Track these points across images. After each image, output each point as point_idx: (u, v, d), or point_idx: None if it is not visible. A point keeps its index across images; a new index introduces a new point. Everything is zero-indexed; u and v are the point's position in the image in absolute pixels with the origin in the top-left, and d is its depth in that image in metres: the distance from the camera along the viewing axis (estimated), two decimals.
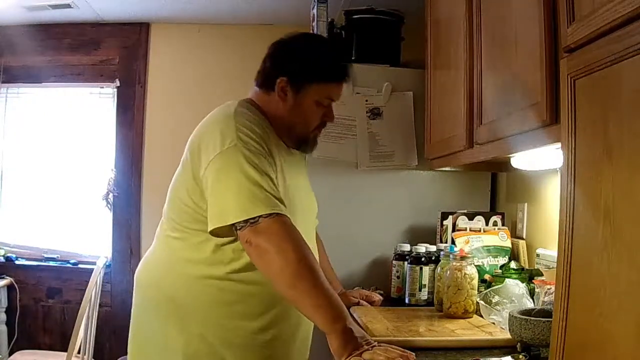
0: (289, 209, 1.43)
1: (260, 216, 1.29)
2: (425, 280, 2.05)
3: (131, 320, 1.58)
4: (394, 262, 2.19)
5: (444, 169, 2.24)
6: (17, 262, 3.61)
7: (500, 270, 1.91)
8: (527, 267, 1.99)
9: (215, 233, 1.36)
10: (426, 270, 2.05)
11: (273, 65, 1.55)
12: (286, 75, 1.51)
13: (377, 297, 2.01)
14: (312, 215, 1.67)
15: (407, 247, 2.15)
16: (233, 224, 1.31)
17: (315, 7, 2.49)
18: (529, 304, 1.59)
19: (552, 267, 1.73)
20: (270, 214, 1.30)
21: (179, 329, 1.44)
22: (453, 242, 2.11)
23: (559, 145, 1.08)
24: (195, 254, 1.44)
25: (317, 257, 1.57)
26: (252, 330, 1.45)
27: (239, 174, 1.33)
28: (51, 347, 3.44)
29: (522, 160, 1.77)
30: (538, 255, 1.95)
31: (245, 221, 1.30)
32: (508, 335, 1.44)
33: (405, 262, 2.12)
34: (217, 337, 1.44)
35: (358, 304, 1.94)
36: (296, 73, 1.51)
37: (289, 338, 1.51)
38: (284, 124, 1.54)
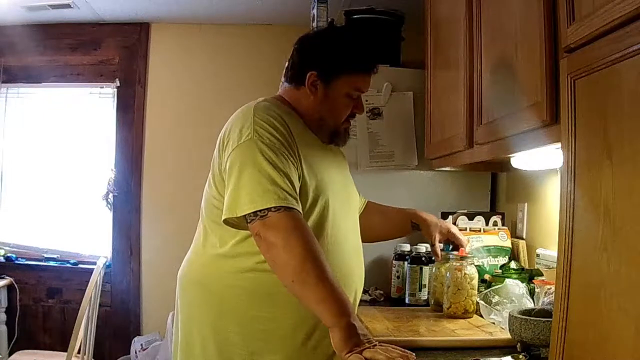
0: (321, 203, 1.43)
1: (269, 209, 1.30)
2: (425, 280, 2.05)
3: (175, 320, 1.58)
4: (394, 262, 2.19)
5: (444, 169, 2.24)
6: (17, 262, 3.61)
7: (500, 270, 1.91)
8: (527, 267, 1.99)
9: (232, 224, 1.37)
10: (426, 270, 2.06)
11: (301, 59, 1.55)
12: (315, 68, 1.51)
13: (464, 245, 1.84)
14: (351, 209, 1.64)
15: (407, 247, 2.15)
16: (245, 217, 1.32)
17: (315, 7, 2.49)
18: (529, 304, 1.59)
19: (552, 267, 1.73)
20: (279, 208, 1.30)
21: (214, 330, 1.44)
22: None
23: (559, 145, 1.08)
24: (224, 249, 1.45)
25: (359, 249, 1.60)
26: (292, 324, 1.42)
27: (252, 166, 1.34)
28: (51, 347, 3.44)
29: (522, 160, 1.77)
30: (538, 255, 1.95)
31: (255, 214, 1.30)
32: (508, 335, 1.44)
33: (405, 262, 2.12)
34: (253, 336, 1.42)
35: (434, 246, 1.83)
36: (325, 66, 1.52)
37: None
38: (315, 118, 1.54)
